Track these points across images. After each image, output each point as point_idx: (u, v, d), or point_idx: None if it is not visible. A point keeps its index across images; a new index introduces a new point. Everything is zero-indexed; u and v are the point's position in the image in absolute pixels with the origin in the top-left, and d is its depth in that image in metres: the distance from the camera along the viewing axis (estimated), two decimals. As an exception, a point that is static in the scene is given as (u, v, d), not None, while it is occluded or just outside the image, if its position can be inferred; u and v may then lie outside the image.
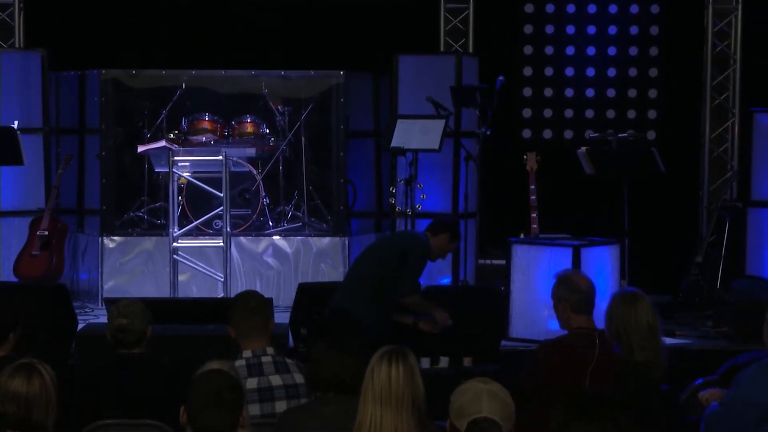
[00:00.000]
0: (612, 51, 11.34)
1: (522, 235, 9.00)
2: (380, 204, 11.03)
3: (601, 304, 5.67)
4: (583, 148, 9.47)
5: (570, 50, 11.36)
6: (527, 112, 11.41)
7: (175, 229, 9.23)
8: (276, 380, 5.20)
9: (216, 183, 9.27)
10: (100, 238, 10.29)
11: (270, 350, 5.30)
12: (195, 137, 10.64)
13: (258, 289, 9.10)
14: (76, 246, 10.59)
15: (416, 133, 9.45)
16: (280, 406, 5.14)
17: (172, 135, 10.61)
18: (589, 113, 11.37)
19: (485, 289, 9.26)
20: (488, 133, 9.71)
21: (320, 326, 7.36)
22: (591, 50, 11.34)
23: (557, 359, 5.42)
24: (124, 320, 5.37)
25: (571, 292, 5.57)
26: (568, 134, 11.37)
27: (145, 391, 5.22)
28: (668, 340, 6.34)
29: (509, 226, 9.52)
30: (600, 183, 10.13)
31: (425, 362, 7.48)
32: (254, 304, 5.42)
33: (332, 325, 7.21)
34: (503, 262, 8.95)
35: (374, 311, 7.21)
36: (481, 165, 10.31)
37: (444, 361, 7.65)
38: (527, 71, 11.40)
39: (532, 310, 8.54)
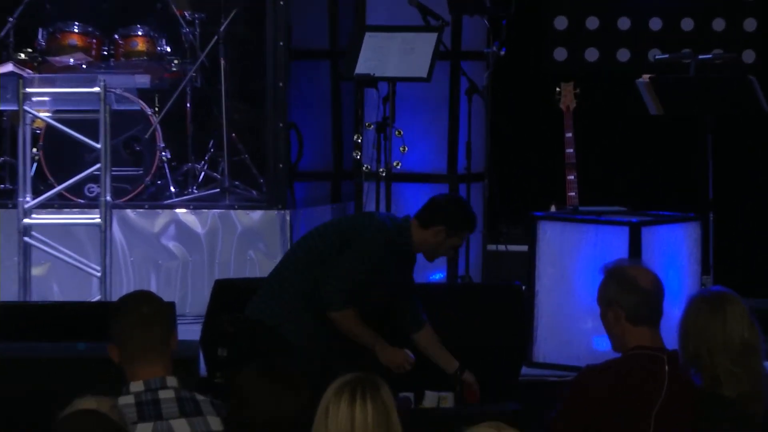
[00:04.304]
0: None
1: (553, 208, 9.02)
2: (339, 161, 11.04)
3: (672, 312, 5.69)
4: (646, 77, 9.49)
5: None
6: (561, 22, 11.39)
7: (27, 198, 9.20)
8: (181, 426, 5.20)
9: (90, 128, 9.24)
10: None
11: (172, 381, 5.29)
12: (58, 58, 10.63)
13: (154, 288, 9.11)
14: None
15: (394, 54, 9.45)
16: (188, 465, 5.14)
17: (23, 54, 10.59)
18: (655, 23, 11.36)
19: (497, 288, 9.28)
20: (502, 53, 9.71)
21: (240, 346, 7.35)
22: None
23: (607, 395, 5.43)
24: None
25: (628, 294, 5.58)
26: (623, 55, 11.38)
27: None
28: (773, 366, 6.37)
29: (533, 195, 9.54)
30: (670, 128, 10.15)
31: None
32: (147, 311, 5.40)
33: (255, 344, 7.25)
34: (524, 248, 8.99)
35: (310, 325, 7.27)
36: (491, 102, 10.31)
37: (431, 398, 7.65)
38: (561, -42, 11.43)
39: (568, 320, 8.60)
